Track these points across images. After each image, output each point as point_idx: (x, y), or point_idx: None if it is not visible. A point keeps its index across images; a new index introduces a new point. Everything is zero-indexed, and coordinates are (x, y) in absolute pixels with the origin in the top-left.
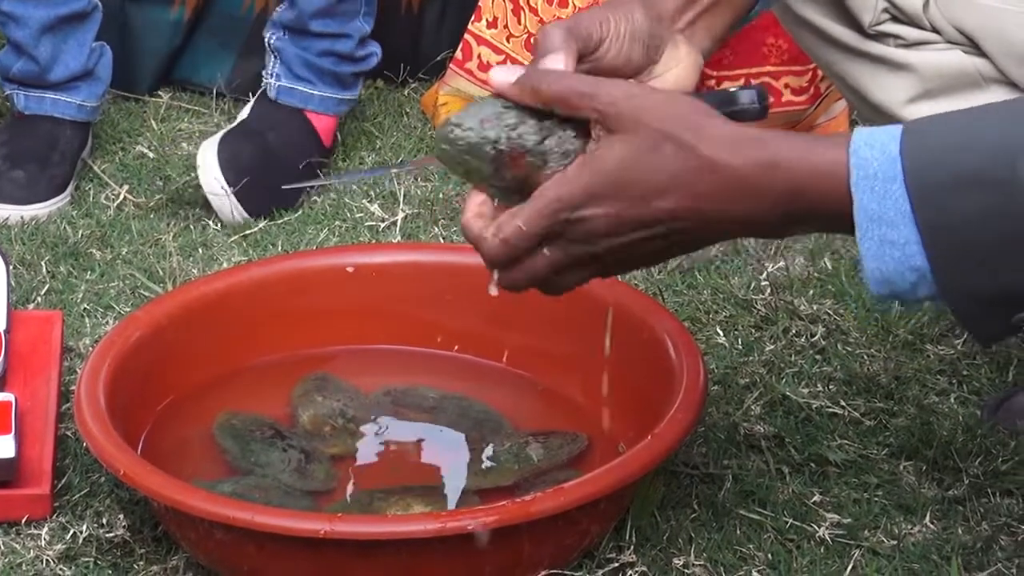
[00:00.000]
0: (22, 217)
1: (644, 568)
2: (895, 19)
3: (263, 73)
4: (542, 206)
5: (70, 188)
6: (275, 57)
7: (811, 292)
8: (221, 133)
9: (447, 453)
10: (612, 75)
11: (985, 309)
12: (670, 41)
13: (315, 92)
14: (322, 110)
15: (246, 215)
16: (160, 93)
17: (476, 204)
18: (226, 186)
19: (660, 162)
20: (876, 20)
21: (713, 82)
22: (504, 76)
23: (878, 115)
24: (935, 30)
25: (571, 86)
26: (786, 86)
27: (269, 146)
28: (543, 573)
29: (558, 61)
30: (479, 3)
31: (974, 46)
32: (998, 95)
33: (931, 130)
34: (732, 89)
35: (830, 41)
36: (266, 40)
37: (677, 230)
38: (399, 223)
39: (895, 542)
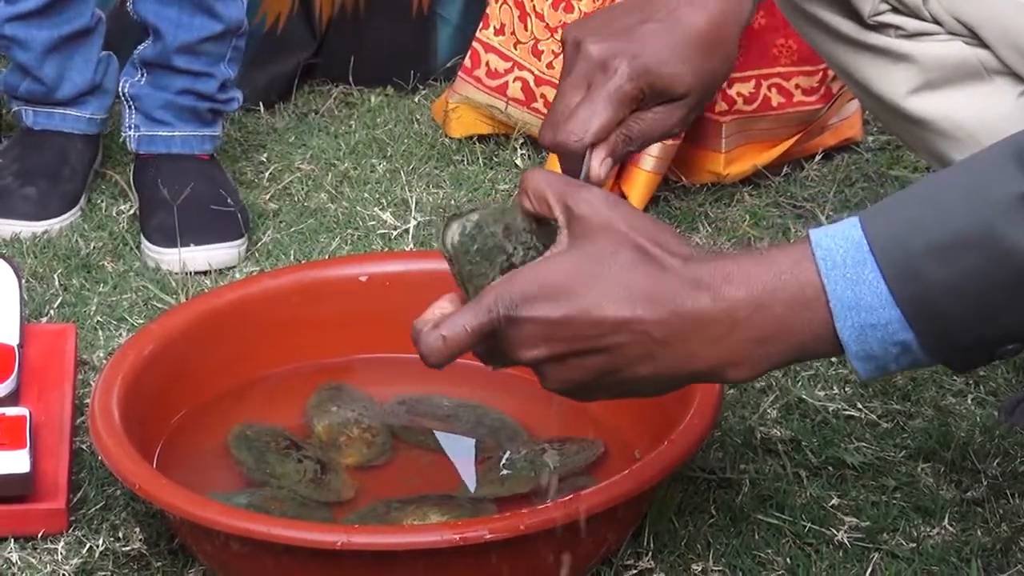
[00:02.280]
0: (34, 232)
1: (662, 574)
2: (895, 10)
3: (122, 129)
4: (483, 305)
5: (82, 201)
6: (130, 107)
7: None
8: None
9: (463, 461)
10: None
11: (970, 353)
12: None
13: (175, 133)
14: (188, 150)
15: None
16: None
17: (444, 302)
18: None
19: (610, 273)
20: (875, 11)
21: (724, 84)
22: None
23: (883, 107)
24: (936, 21)
25: (550, 184)
26: (797, 87)
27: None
28: None
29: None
30: (487, 10)
31: (975, 37)
32: (1002, 86)
33: (890, 208)
34: None
35: (832, 33)
36: (121, 91)
37: (623, 346)
38: (411, 231)
39: (914, 545)
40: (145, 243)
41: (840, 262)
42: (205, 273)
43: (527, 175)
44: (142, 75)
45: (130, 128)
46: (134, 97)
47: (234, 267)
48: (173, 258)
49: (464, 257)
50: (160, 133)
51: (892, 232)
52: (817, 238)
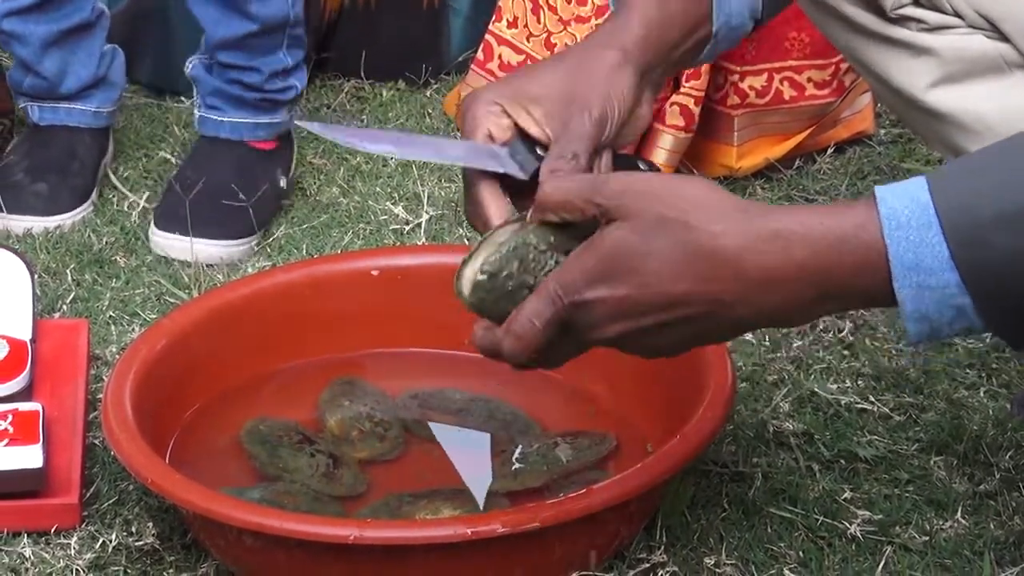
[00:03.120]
0: (46, 227)
1: (675, 568)
2: (917, 3)
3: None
4: (544, 294)
5: (93, 196)
6: (194, 86)
7: None
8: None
9: (475, 455)
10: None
11: None
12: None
13: (224, 119)
14: (235, 136)
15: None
16: (182, 98)
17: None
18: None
19: (666, 243)
20: (898, 4)
21: (736, 77)
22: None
23: (901, 101)
24: (957, 14)
25: (572, 188)
26: (809, 80)
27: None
28: (573, 574)
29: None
30: (499, 3)
31: (996, 30)
32: (1022, 80)
33: (958, 173)
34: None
35: (852, 26)
36: (186, 71)
37: (696, 316)
38: (423, 225)
39: (927, 538)
40: (152, 227)
41: (904, 223)
42: (216, 268)
43: (542, 194)
44: (202, 59)
45: (198, 108)
46: (195, 79)
47: (246, 262)
48: (171, 243)
49: (484, 305)
50: (212, 116)
51: (960, 198)
52: (883, 195)
